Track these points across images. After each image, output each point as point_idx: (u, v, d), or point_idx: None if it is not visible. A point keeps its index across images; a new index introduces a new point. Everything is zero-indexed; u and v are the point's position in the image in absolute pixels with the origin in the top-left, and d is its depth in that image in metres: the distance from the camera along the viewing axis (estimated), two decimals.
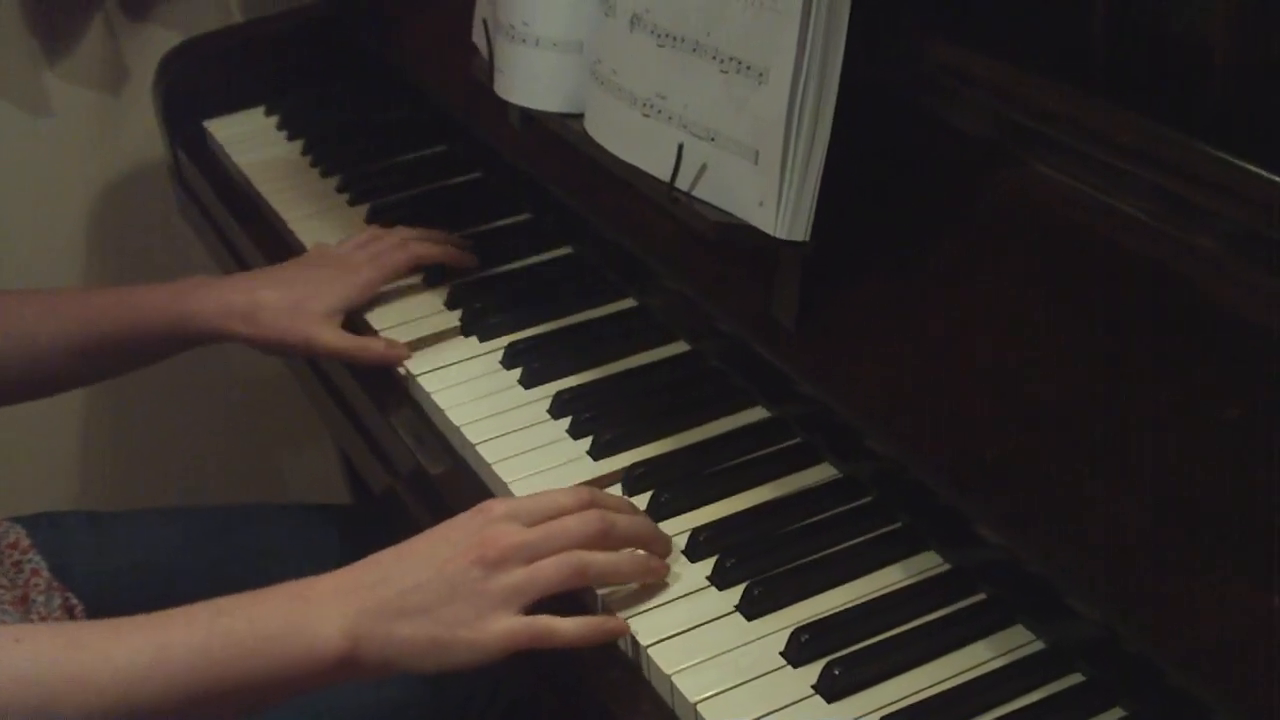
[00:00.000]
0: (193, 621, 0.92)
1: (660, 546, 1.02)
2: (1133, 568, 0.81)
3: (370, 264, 1.33)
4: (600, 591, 1.00)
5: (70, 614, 1.21)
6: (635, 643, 0.96)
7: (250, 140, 1.67)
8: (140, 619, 0.92)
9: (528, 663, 0.97)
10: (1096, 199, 0.92)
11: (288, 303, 1.28)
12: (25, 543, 1.24)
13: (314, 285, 1.30)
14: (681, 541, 1.03)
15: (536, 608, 0.96)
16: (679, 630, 0.96)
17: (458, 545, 0.97)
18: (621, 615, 0.98)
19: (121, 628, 0.92)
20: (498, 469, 1.12)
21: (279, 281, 1.31)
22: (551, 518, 0.99)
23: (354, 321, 1.32)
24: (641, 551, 1.01)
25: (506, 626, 0.95)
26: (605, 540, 0.99)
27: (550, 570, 0.96)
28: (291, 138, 1.66)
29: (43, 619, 1.17)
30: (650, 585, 1.00)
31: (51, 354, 1.28)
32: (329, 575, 0.97)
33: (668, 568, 1.01)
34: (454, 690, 1.19)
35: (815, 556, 1.01)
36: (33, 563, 1.23)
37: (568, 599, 0.99)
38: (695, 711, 0.91)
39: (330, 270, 1.32)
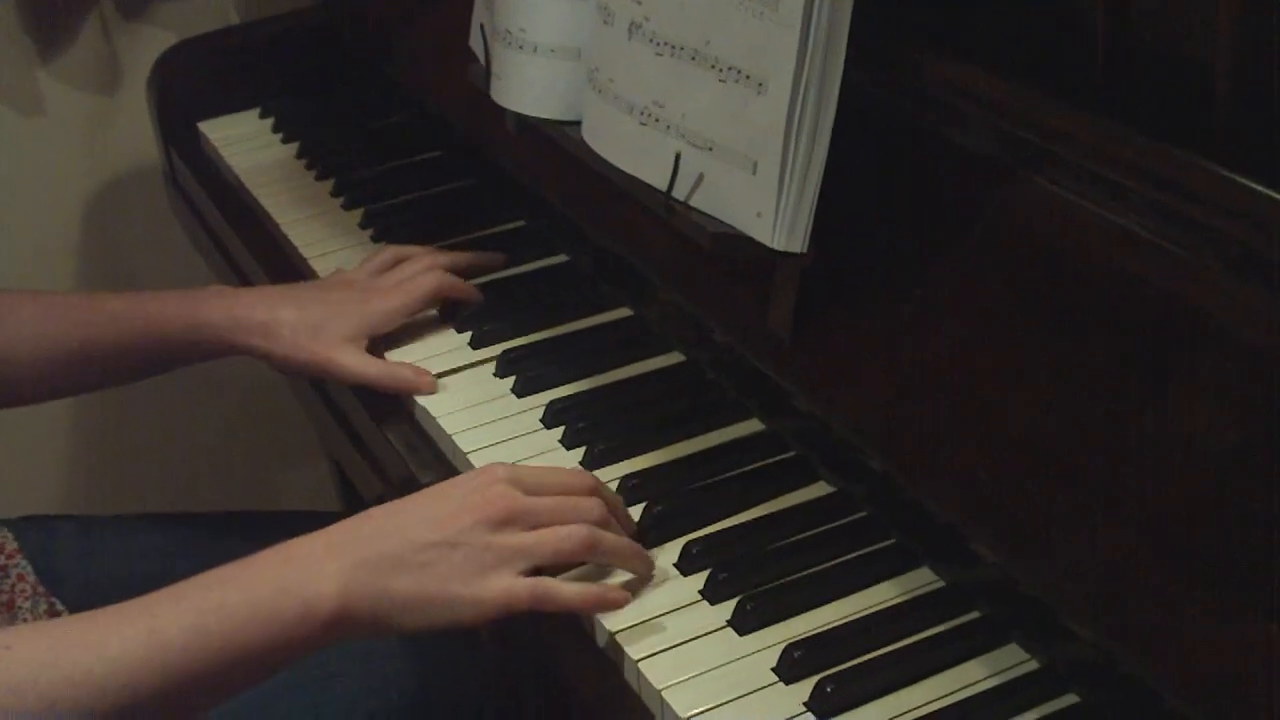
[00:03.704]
0: (181, 600, 0.91)
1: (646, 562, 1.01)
2: (1129, 591, 0.80)
3: (397, 290, 1.27)
4: None
5: None
6: (625, 656, 0.95)
7: (245, 142, 1.66)
8: (126, 605, 0.91)
9: (515, 669, 0.96)
10: (1099, 216, 0.91)
11: (308, 322, 1.23)
12: (11, 546, 1.23)
13: (335, 307, 1.24)
14: (674, 554, 1.02)
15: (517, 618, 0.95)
16: (670, 645, 0.95)
17: (461, 502, 0.95)
18: (610, 628, 0.97)
19: (110, 617, 0.90)
20: None
21: (298, 300, 1.26)
22: (554, 493, 0.98)
23: None
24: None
25: (506, 585, 0.93)
26: (608, 527, 0.98)
27: (560, 536, 0.95)
28: (286, 140, 1.65)
29: None
30: (641, 597, 0.99)
31: (51, 358, 1.23)
32: (319, 533, 0.94)
33: (654, 565, 1.00)
34: (441, 701, 1.18)
35: (809, 572, 1.00)
36: (19, 568, 1.21)
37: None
38: None
39: (352, 293, 1.27)
